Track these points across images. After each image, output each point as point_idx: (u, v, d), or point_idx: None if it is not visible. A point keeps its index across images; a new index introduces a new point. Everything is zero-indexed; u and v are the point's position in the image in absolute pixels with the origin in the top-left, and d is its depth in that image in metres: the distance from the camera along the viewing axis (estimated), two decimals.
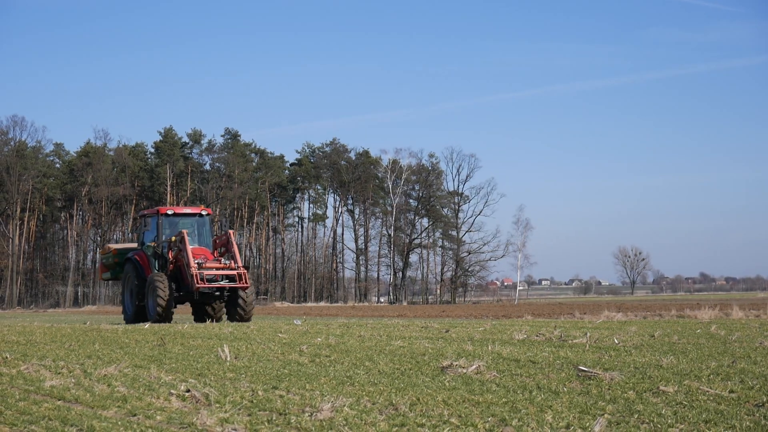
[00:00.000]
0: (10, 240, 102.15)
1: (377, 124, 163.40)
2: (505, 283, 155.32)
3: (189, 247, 30.18)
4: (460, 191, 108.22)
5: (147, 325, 26.41)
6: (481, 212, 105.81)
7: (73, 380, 11.14)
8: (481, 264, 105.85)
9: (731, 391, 9.43)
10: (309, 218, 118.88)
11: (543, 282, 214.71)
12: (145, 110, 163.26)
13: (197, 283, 29.31)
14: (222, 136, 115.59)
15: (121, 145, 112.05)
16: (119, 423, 8.23)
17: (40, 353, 15.14)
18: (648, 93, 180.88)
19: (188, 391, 9.75)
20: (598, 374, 10.59)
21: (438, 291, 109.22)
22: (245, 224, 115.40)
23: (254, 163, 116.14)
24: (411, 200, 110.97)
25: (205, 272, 29.78)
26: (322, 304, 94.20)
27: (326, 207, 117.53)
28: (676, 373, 11.02)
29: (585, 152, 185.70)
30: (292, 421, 8.12)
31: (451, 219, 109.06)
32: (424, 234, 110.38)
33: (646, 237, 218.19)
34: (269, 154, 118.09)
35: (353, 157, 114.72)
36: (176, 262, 31.00)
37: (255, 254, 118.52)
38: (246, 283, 29.83)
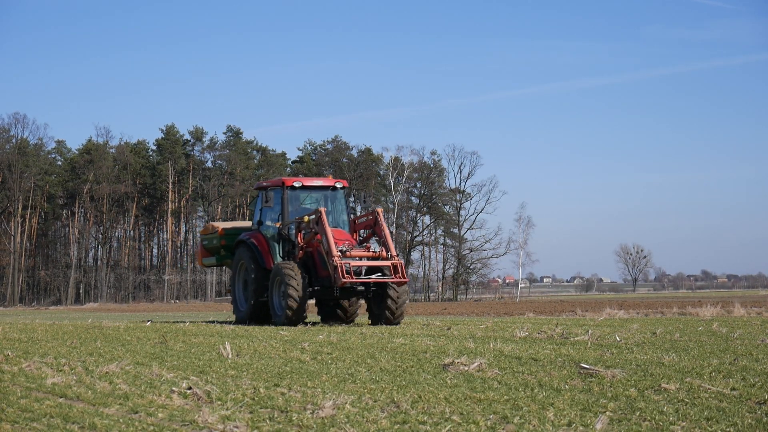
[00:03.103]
0: (12, 237, 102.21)
1: (379, 121, 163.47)
2: (507, 281, 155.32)
3: (329, 230, 23.32)
4: (462, 189, 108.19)
5: (149, 322, 26.40)
6: (482, 210, 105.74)
7: (74, 378, 11.15)
8: (483, 261, 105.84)
9: (733, 389, 9.42)
10: None
11: (545, 279, 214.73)
12: (146, 108, 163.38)
13: (342, 276, 22.56)
14: (224, 133, 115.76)
15: (122, 143, 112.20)
16: (121, 420, 8.24)
17: (41, 351, 15.16)
18: (649, 90, 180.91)
19: (190, 388, 9.76)
20: (600, 372, 10.59)
21: (440, 288, 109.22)
22: None
23: (256, 161, 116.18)
24: (413, 198, 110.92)
25: (352, 263, 22.97)
26: None
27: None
28: (677, 370, 11.02)
29: (587, 150, 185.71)
30: (294, 418, 8.12)
31: (452, 216, 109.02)
32: (425, 231, 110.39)
33: (648, 234, 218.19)
34: (271, 152, 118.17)
35: (355, 155, 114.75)
36: (307, 247, 24.38)
37: None
38: (403, 276, 23.08)
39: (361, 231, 25.24)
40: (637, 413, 8.17)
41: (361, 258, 23.26)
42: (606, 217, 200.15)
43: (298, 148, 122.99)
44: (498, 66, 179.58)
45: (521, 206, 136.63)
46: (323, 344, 15.85)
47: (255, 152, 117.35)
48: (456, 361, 11.87)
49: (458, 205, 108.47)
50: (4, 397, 9.65)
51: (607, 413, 8.15)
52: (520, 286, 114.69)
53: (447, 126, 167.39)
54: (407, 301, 23.71)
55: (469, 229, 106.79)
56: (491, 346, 14.94)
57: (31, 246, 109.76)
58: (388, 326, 22.83)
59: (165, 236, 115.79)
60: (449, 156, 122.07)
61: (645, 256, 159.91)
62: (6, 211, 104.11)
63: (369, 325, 23.58)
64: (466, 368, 11.36)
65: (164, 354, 14.36)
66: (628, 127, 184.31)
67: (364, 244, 24.31)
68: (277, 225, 24.85)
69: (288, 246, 24.72)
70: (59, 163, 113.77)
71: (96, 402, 9.29)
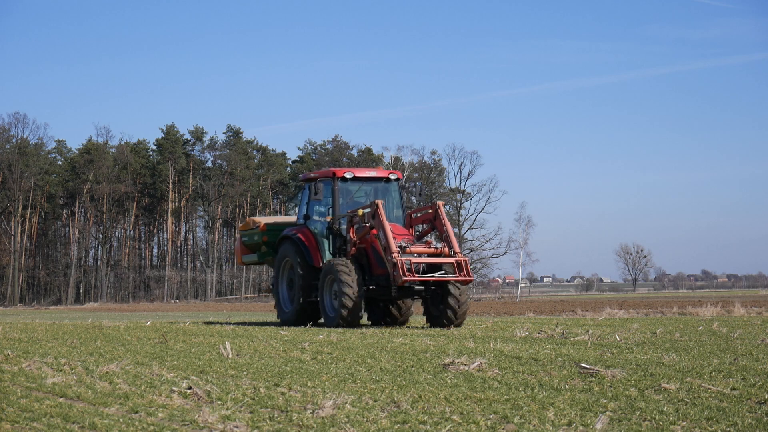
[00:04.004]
0: (12, 237, 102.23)
1: (379, 121, 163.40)
2: (507, 281, 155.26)
3: (387, 225, 21.46)
4: (462, 188, 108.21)
5: (149, 322, 26.40)
6: (483, 209, 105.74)
7: (74, 377, 11.15)
8: (483, 261, 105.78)
9: (733, 389, 9.42)
10: None
11: (545, 279, 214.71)
12: (146, 107, 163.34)
13: (403, 274, 20.63)
14: (224, 133, 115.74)
15: (122, 143, 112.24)
16: (121, 420, 8.24)
17: (41, 350, 15.16)
18: (649, 90, 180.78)
19: (190, 388, 9.76)
20: (600, 371, 10.59)
21: None
22: None
23: (256, 161, 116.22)
24: (413, 197, 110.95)
25: (413, 260, 21.07)
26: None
27: None
28: (677, 370, 11.02)
29: (587, 149, 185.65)
30: (294, 418, 8.12)
31: (453, 216, 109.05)
32: None
33: (648, 234, 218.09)
34: (271, 151, 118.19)
35: (355, 154, 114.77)
36: (360, 243, 22.51)
37: None
38: (469, 275, 21.16)
39: (420, 226, 23.48)
40: (637, 413, 8.17)
41: (421, 254, 21.39)
42: (606, 217, 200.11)
43: (299, 148, 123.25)
44: (498, 65, 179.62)
45: (521, 206, 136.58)
46: (323, 344, 15.85)
47: (255, 152, 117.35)
48: (456, 360, 11.87)
49: (458, 204, 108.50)
50: (5, 397, 9.65)
51: (608, 413, 8.15)
52: (520, 285, 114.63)
53: (447, 125, 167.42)
54: (469, 302, 21.90)
55: (469, 228, 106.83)
56: (491, 345, 14.95)
57: (31, 246, 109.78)
58: (389, 326, 22.46)
59: (165, 236, 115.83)
60: (449, 156, 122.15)
61: (645, 256, 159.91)
62: (6, 211, 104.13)
63: (426, 327, 21.92)
64: (467, 368, 11.36)
65: (164, 354, 14.36)
66: (628, 126, 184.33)
67: (424, 240, 22.31)
68: (328, 219, 23.10)
69: (339, 242, 22.94)
70: (59, 162, 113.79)
71: (96, 402, 9.29)
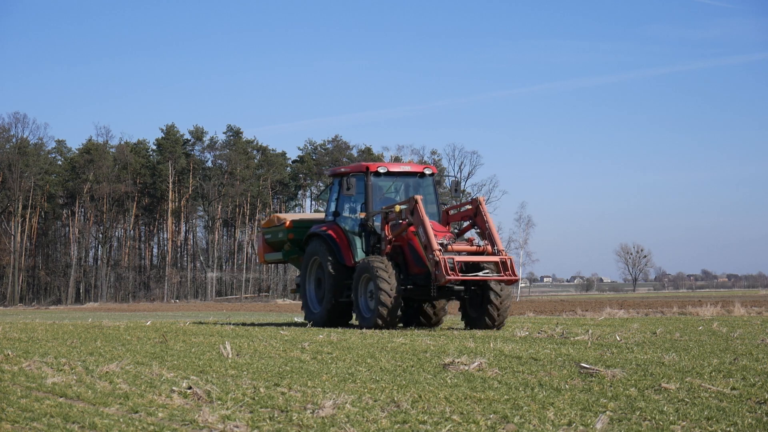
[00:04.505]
0: (12, 237, 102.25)
1: (379, 120, 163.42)
2: None
3: (428, 221, 20.44)
4: (462, 188, 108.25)
5: (149, 321, 26.39)
6: None
7: (74, 377, 11.15)
8: None
9: (733, 389, 9.42)
10: None
11: (545, 279, 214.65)
12: (146, 107, 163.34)
13: (446, 273, 19.54)
14: (224, 133, 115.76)
15: (122, 142, 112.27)
16: (121, 420, 8.24)
17: (41, 350, 15.16)
18: (649, 90, 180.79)
19: (190, 388, 9.76)
20: (600, 371, 10.59)
21: None
22: (247, 221, 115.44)
23: (256, 160, 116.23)
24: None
25: (456, 258, 19.95)
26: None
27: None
28: (677, 370, 11.02)
29: (587, 149, 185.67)
30: (294, 418, 8.12)
31: None
32: None
33: (648, 234, 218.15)
34: (271, 151, 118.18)
35: (355, 154, 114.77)
36: (396, 241, 21.46)
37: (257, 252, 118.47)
38: (514, 274, 20.11)
39: (459, 223, 22.44)
40: (637, 413, 8.17)
41: (464, 253, 20.33)
42: (606, 217, 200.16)
43: (299, 148, 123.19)
44: (498, 65, 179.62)
45: (521, 206, 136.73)
46: (323, 344, 15.85)
47: (255, 152, 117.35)
48: (456, 360, 11.87)
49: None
50: (5, 397, 9.65)
51: (608, 413, 8.15)
52: (520, 285, 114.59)
53: (447, 125, 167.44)
54: (510, 302, 20.80)
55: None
56: (491, 345, 14.95)
57: (32, 246, 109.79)
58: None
59: (165, 236, 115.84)
60: (449, 155, 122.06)
61: (645, 256, 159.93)
62: (6, 211, 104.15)
63: (463, 329, 20.75)
64: (467, 368, 11.36)
65: (164, 354, 14.36)
66: (628, 126, 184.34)
67: (465, 237, 21.32)
68: (361, 215, 22.05)
69: (373, 239, 21.80)
70: (59, 162, 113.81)
71: (96, 401, 9.29)
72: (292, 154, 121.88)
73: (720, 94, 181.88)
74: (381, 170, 22.23)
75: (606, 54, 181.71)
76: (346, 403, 8.70)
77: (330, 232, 22.38)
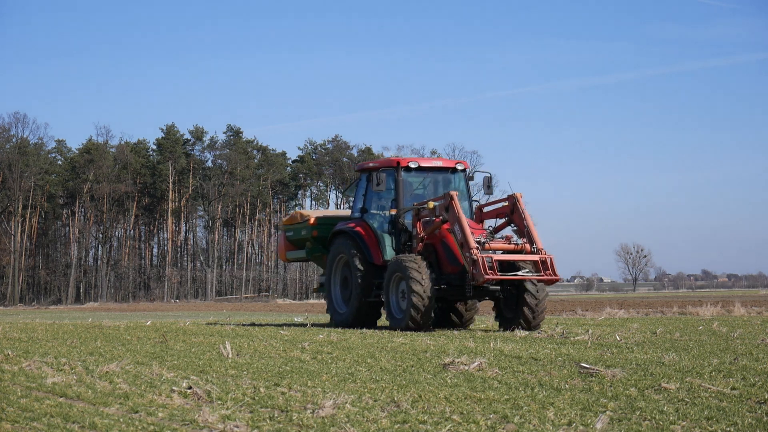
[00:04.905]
0: (12, 237, 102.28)
1: (379, 120, 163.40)
2: None
3: (464, 218, 19.61)
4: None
5: (149, 321, 26.40)
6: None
7: (74, 377, 11.15)
8: None
9: (733, 388, 9.43)
10: None
11: None
12: (146, 107, 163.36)
13: (485, 272, 18.73)
14: (224, 132, 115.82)
15: (123, 142, 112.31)
16: (121, 420, 8.24)
17: (41, 350, 15.16)
18: (649, 89, 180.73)
19: (190, 388, 9.76)
20: (600, 371, 10.60)
21: None
22: (247, 221, 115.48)
23: (256, 160, 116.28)
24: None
25: (495, 257, 19.22)
26: (323, 301, 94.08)
27: (328, 204, 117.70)
28: (677, 370, 11.02)
29: (587, 149, 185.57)
30: (294, 418, 8.12)
31: None
32: None
33: (648, 234, 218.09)
34: (271, 151, 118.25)
35: (355, 154, 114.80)
36: (428, 239, 20.71)
37: (257, 251, 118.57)
38: (555, 274, 19.33)
39: (494, 220, 21.44)
40: (638, 413, 8.17)
41: (500, 251, 19.56)
42: (606, 217, 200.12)
43: (299, 147, 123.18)
44: (498, 65, 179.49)
45: None
46: (323, 344, 15.85)
47: (255, 152, 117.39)
48: (456, 360, 11.87)
49: None
50: (5, 397, 9.65)
51: (608, 413, 8.15)
52: None
53: (447, 125, 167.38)
54: (546, 302, 19.99)
55: None
56: (491, 345, 14.95)
57: (32, 245, 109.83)
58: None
59: (165, 236, 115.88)
60: (449, 155, 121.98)
61: (645, 256, 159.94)
62: (6, 211, 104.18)
63: (498, 331, 19.94)
64: (467, 368, 11.36)
65: (164, 353, 14.36)
66: (628, 126, 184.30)
67: (502, 235, 20.53)
68: (392, 212, 21.31)
69: (404, 237, 21.02)
70: (59, 162, 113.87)
71: (96, 401, 9.29)
72: (292, 154, 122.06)
73: (720, 94, 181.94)
74: (412, 165, 21.54)
75: (606, 54, 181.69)
76: (346, 403, 8.70)
77: (358, 229, 21.57)
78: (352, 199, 23.68)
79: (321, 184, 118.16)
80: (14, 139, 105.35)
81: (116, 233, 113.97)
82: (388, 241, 21.25)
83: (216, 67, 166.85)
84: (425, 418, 8.04)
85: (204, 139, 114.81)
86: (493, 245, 19.56)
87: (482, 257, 18.81)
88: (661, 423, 7.73)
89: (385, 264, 20.84)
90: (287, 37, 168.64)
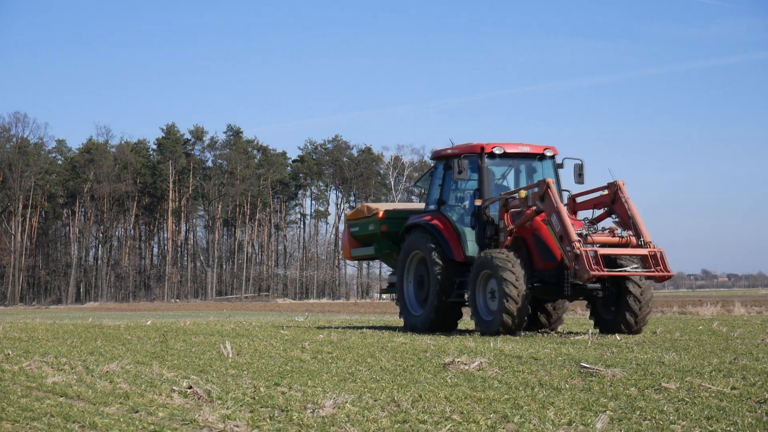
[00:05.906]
0: (13, 237, 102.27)
1: (379, 120, 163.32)
2: None
3: (564, 208, 17.76)
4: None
5: (149, 321, 26.38)
6: None
7: (75, 377, 11.16)
8: None
9: (733, 388, 9.43)
10: (311, 215, 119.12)
11: None
12: (147, 107, 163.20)
13: (590, 268, 16.73)
14: (224, 132, 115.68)
15: (123, 142, 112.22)
16: (121, 419, 8.24)
17: (42, 350, 15.17)
18: (649, 89, 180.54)
19: (190, 387, 9.76)
20: (600, 371, 10.60)
21: None
22: (247, 221, 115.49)
23: (256, 160, 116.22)
24: (413, 197, 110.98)
25: (600, 251, 17.29)
26: (324, 300, 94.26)
27: (328, 203, 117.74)
28: (677, 369, 11.03)
29: (586, 149, 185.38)
30: (294, 417, 8.13)
31: None
32: None
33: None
34: (271, 151, 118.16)
35: (355, 154, 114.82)
36: (518, 232, 18.69)
37: (257, 251, 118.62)
38: (667, 270, 17.36)
39: (591, 211, 19.19)
40: (638, 412, 8.17)
41: (605, 245, 17.63)
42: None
43: (299, 147, 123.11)
44: (498, 65, 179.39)
45: None
46: (324, 343, 15.86)
47: (255, 151, 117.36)
48: (456, 360, 11.87)
49: None
50: (5, 396, 9.66)
51: (608, 412, 8.15)
52: None
53: (447, 125, 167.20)
54: (652, 303, 18.18)
55: None
56: (491, 345, 14.95)
57: (32, 245, 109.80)
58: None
59: (165, 235, 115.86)
60: None
61: None
62: (6, 211, 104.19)
63: (599, 334, 18.02)
64: (467, 367, 11.36)
65: (165, 353, 14.37)
66: (627, 126, 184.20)
67: (605, 227, 18.46)
68: (478, 203, 19.27)
69: (489, 230, 19.01)
70: (60, 162, 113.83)
71: (96, 401, 9.29)
72: (292, 154, 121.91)
73: (720, 94, 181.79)
74: (497, 151, 19.45)
75: (606, 54, 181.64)
76: (346, 402, 8.70)
77: (435, 222, 19.61)
78: (422, 190, 21.40)
79: (321, 184, 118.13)
80: (14, 139, 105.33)
81: (116, 233, 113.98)
82: (469, 235, 19.35)
83: (216, 67, 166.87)
84: (425, 417, 8.05)
85: (204, 138, 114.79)
86: (596, 238, 17.68)
87: (586, 251, 16.93)
88: (661, 423, 7.73)
89: (466, 260, 19.10)
90: (287, 37, 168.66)
